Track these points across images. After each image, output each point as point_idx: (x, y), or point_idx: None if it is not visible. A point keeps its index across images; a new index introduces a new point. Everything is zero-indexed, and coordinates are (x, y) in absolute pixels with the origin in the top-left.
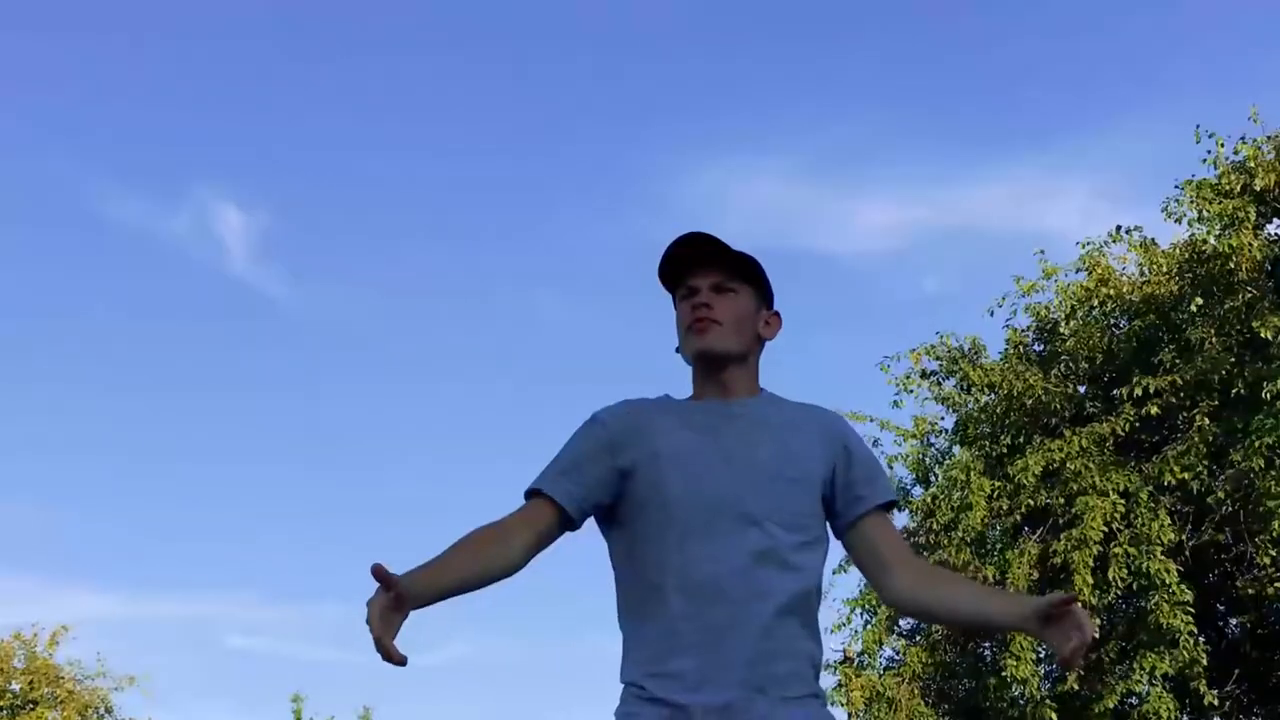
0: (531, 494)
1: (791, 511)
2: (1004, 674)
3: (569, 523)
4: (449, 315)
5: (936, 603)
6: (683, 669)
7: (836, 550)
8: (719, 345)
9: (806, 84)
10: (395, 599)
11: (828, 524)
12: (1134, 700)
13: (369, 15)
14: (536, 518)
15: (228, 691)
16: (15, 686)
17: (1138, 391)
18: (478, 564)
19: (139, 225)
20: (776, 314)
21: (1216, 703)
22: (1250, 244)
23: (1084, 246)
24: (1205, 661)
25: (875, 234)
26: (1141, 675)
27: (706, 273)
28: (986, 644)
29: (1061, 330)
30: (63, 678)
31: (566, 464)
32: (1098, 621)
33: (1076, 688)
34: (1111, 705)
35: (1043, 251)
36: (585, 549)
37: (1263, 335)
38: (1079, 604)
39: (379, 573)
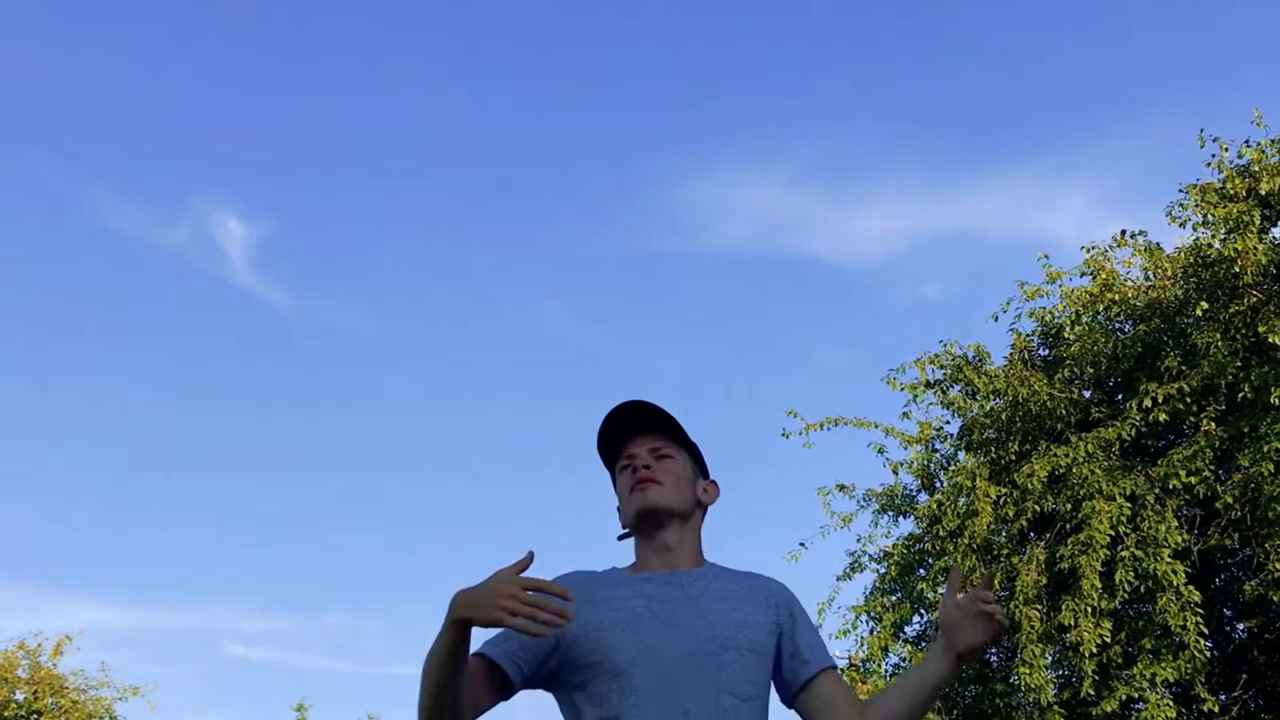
0: (478, 655)
1: (745, 680)
2: (1014, 681)
3: (507, 689)
4: (450, 324)
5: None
6: None
7: (839, 558)
8: (662, 501)
9: (806, 93)
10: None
11: (779, 681)
12: (1139, 705)
13: (370, 28)
14: (480, 677)
15: (231, 701)
16: (19, 696)
17: (1146, 403)
18: (462, 699)
19: (140, 236)
20: (714, 483)
21: (1217, 709)
22: (1255, 248)
23: (1088, 251)
24: (1207, 666)
25: (876, 241)
26: (1143, 681)
27: (644, 439)
28: (993, 650)
29: (1066, 335)
30: (67, 688)
31: (507, 638)
32: (1108, 625)
33: (1094, 693)
34: (1110, 710)
35: (1047, 256)
36: (588, 551)
37: (1269, 339)
38: (966, 593)
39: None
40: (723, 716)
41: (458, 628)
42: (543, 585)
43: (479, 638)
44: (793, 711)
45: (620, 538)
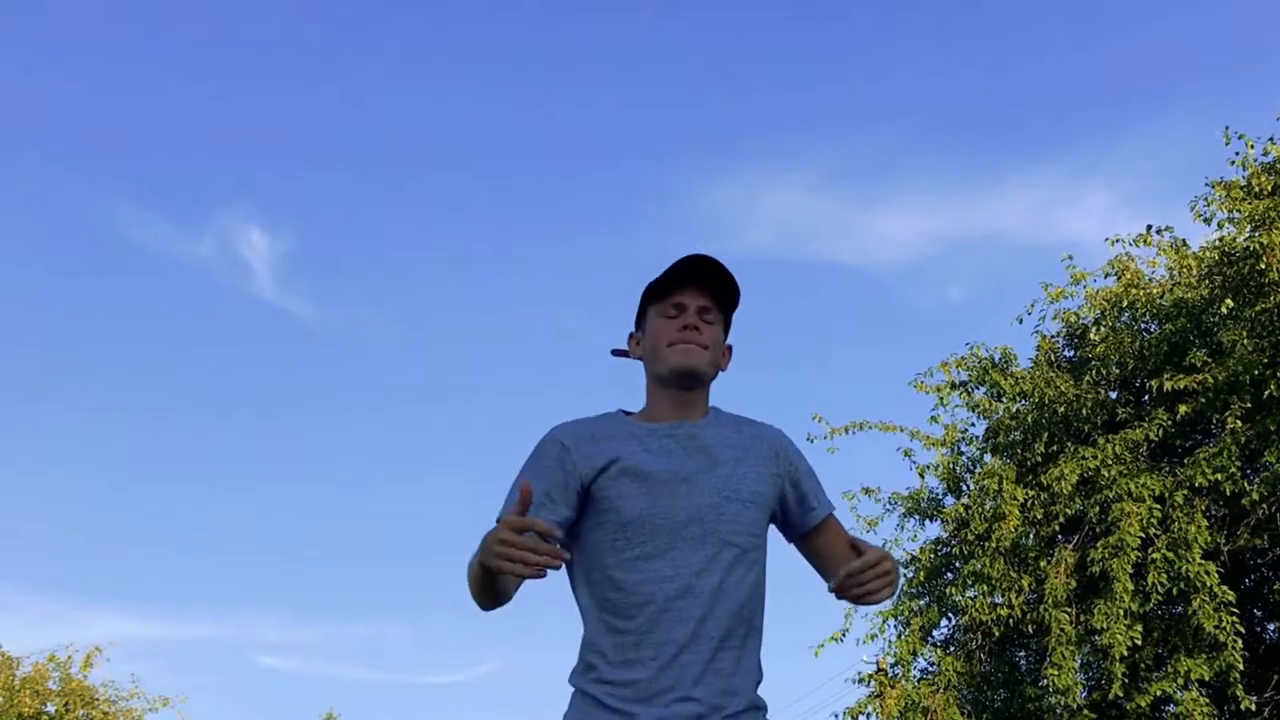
0: None
1: (747, 531)
2: (1043, 683)
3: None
4: (473, 333)
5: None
6: (635, 679)
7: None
8: (701, 365)
9: (828, 97)
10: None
11: (779, 532)
12: (1169, 706)
13: (391, 43)
14: None
15: (260, 711)
16: (50, 708)
17: (1169, 387)
18: (506, 587)
19: (165, 250)
20: (730, 347)
21: (1254, 708)
22: None
23: (1112, 244)
24: (1242, 666)
25: (898, 244)
26: (1177, 679)
27: (697, 294)
28: (1021, 653)
29: (1091, 336)
30: (97, 699)
31: (540, 497)
32: (1139, 629)
33: (1122, 695)
34: (1144, 704)
35: (1070, 257)
36: None
37: None
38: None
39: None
40: (727, 567)
41: (482, 568)
42: (533, 524)
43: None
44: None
45: (614, 353)
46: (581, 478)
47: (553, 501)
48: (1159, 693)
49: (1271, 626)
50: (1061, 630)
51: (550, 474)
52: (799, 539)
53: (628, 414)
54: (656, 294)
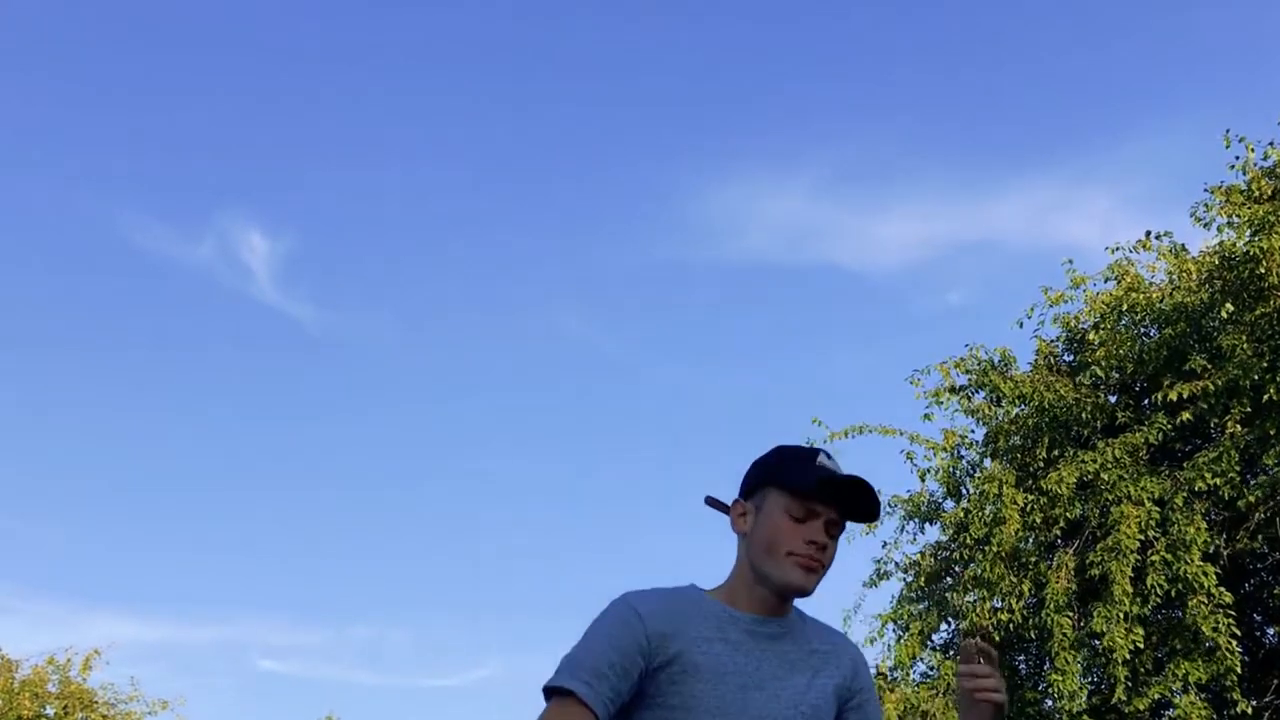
0: (564, 691)
1: None
2: (1045, 687)
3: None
4: (472, 335)
5: None
6: None
7: (865, 565)
8: (813, 587)
9: (826, 101)
10: None
11: None
12: (1168, 710)
13: (391, 42)
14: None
15: (260, 714)
16: (49, 711)
17: (1171, 396)
18: None
19: (165, 253)
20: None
21: (1251, 711)
22: None
23: (1113, 252)
24: (1239, 669)
25: (897, 248)
26: (1175, 681)
27: (838, 509)
28: (1021, 656)
29: (1091, 340)
30: (96, 702)
31: (604, 666)
32: (1140, 632)
33: (1125, 698)
34: (1143, 707)
35: (1071, 261)
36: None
37: None
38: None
39: None
40: None
41: None
42: None
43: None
44: None
45: (709, 502)
46: (648, 658)
47: (615, 676)
48: (1157, 696)
49: (1271, 631)
50: (1064, 635)
51: (618, 648)
52: None
53: (706, 590)
54: (791, 487)
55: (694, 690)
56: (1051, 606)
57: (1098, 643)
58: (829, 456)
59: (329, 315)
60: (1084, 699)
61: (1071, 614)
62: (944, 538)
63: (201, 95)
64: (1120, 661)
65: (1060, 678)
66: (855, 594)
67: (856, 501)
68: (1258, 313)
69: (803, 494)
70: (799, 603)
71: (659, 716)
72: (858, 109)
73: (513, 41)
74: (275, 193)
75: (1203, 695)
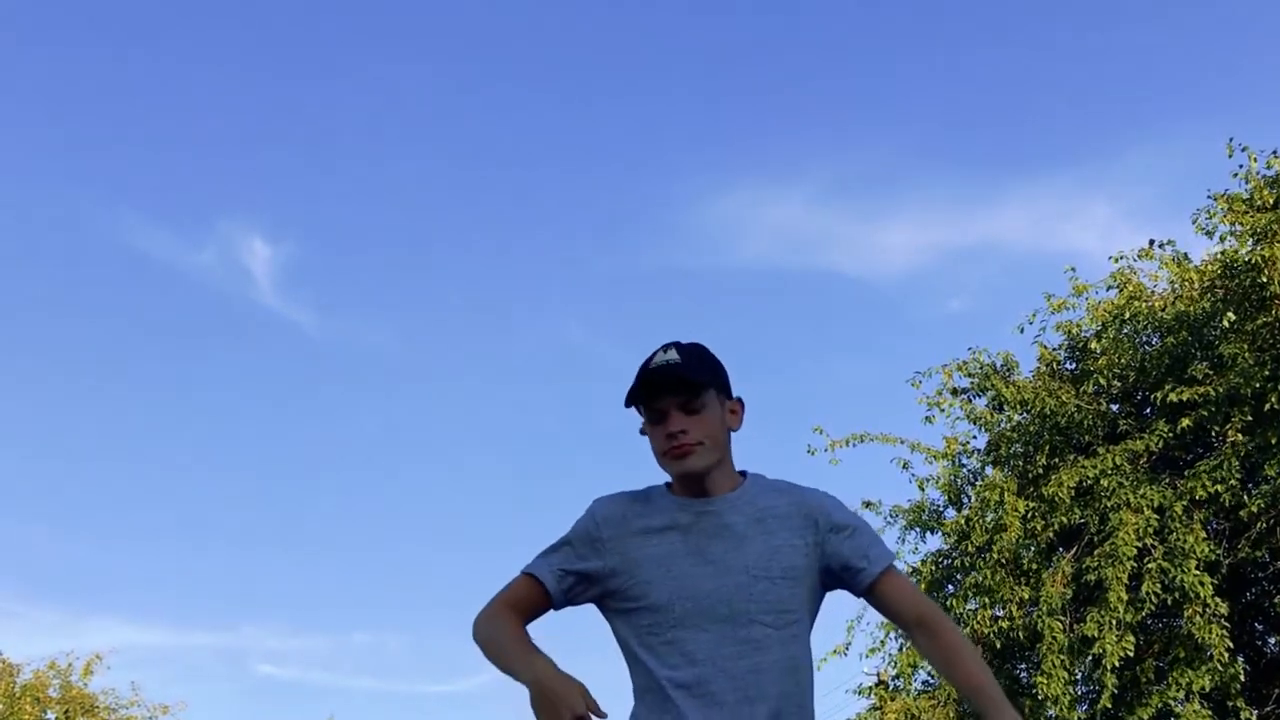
0: (524, 573)
1: (779, 609)
2: (1036, 693)
3: (550, 603)
4: (471, 342)
5: (945, 677)
6: None
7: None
8: (700, 465)
9: (829, 109)
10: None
11: (848, 589)
12: (1172, 717)
13: (392, 52)
14: (525, 600)
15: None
16: (51, 716)
17: (1172, 398)
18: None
19: (167, 258)
20: (738, 401)
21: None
22: None
23: (1116, 260)
24: (1243, 678)
25: (899, 256)
26: (1178, 691)
27: (673, 395)
28: (1022, 665)
29: (1093, 348)
30: (97, 707)
31: (557, 548)
32: (1132, 639)
33: (1109, 706)
34: (1145, 717)
35: (1073, 269)
36: None
37: None
38: None
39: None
40: (755, 647)
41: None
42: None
43: (529, 554)
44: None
45: (643, 432)
46: (604, 555)
47: (564, 556)
48: (1159, 705)
49: (1272, 640)
50: (1054, 638)
51: (571, 538)
52: (862, 596)
53: (669, 486)
54: (637, 404)
55: (646, 578)
56: (1044, 609)
57: (1091, 649)
58: (666, 349)
59: (330, 320)
60: (1077, 706)
61: (1064, 619)
62: (946, 546)
63: (205, 102)
64: (1109, 669)
65: (1046, 681)
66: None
67: (669, 383)
68: (1259, 321)
69: (635, 404)
70: (763, 468)
71: (626, 611)
72: (860, 117)
73: (516, 51)
74: (277, 199)
75: (1205, 704)
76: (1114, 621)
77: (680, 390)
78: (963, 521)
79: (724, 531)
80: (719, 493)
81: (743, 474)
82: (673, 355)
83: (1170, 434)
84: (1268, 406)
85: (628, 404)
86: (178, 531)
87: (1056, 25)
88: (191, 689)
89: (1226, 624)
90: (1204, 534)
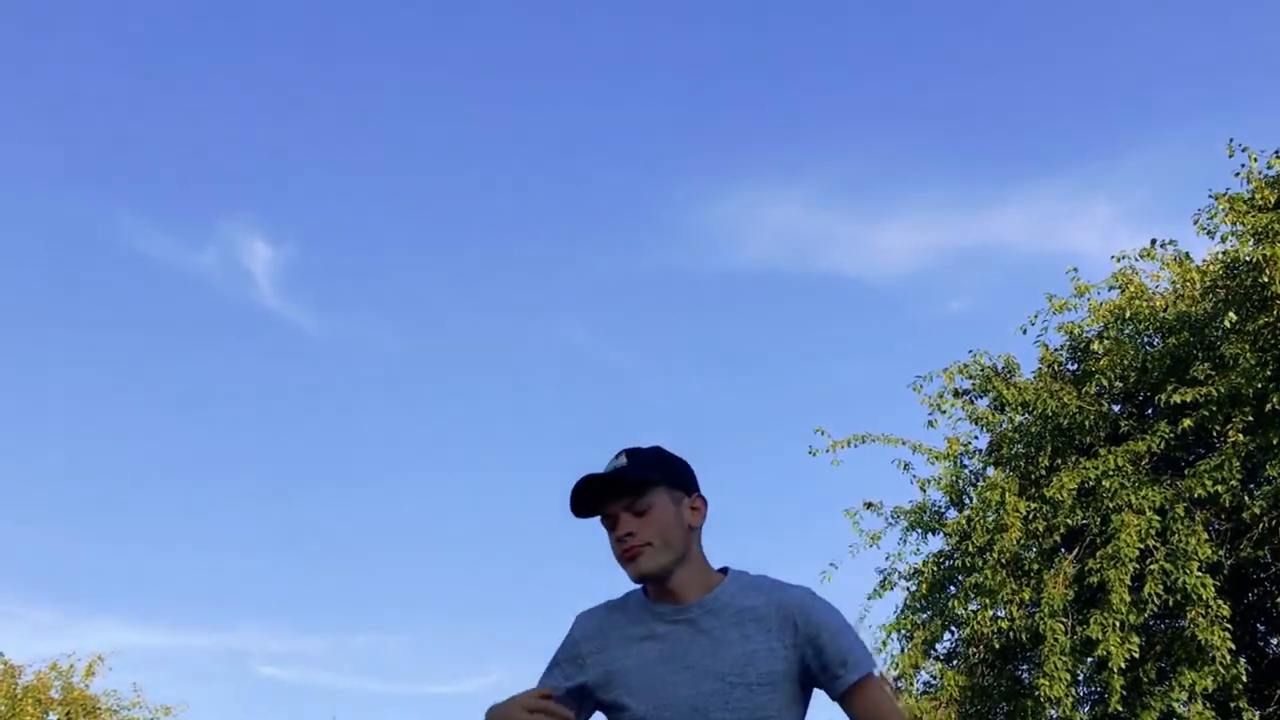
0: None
1: (756, 716)
2: (1038, 694)
3: None
4: (473, 343)
5: None
6: None
7: (869, 576)
8: (654, 566)
9: (829, 109)
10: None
11: (824, 691)
12: (1175, 718)
13: (392, 52)
14: None
15: None
16: (52, 717)
17: (1174, 399)
18: None
19: (167, 260)
20: (699, 497)
21: None
22: None
23: (1118, 260)
24: (1245, 679)
25: (900, 257)
26: (1181, 692)
27: (618, 499)
28: (1024, 666)
29: (1094, 348)
30: (99, 708)
31: (547, 675)
32: (1136, 641)
33: (1120, 709)
34: (1149, 719)
35: (1075, 269)
36: (615, 575)
37: None
38: None
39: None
40: None
41: None
42: (549, 708)
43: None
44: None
45: None
46: (585, 670)
47: (559, 670)
48: (1163, 707)
49: (1274, 641)
50: (1056, 640)
51: (563, 652)
52: (837, 700)
53: (645, 591)
54: (588, 514)
55: (627, 689)
56: (1046, 611)
57: (1094, 651)
58: (618, 456)
59: (331, 321)
60: (1080, 708)
61: (1066, 620)
62: (947, 546)
63: (205, 103)
64: (1116, 670)
65: (1048, 682)
66: (860, 605)
67: (607, 489)
68: (1261, 322)
69: (587, 514)
70: (745, 564)
71: (615, 715)
72: (860, 118)
73: (517, 51)
74: (278, 200)
75: (1208, 705)
76: (1117, 623)
77: (623, 492)
78: (964, 522)
79: (700, 637)
80: (691, 594)
81: (724, 571)
82: (621, 460)
83: (1171, 435)
84: (1269, 407)
85: (577, 515)
86: (178, 532)
87: (1057, 25)
88: (193, 690)
89: (1229, 625)
90: (1206, 535)
